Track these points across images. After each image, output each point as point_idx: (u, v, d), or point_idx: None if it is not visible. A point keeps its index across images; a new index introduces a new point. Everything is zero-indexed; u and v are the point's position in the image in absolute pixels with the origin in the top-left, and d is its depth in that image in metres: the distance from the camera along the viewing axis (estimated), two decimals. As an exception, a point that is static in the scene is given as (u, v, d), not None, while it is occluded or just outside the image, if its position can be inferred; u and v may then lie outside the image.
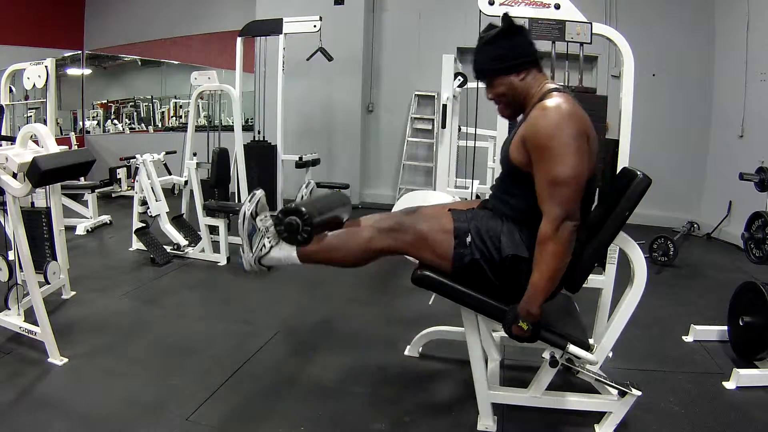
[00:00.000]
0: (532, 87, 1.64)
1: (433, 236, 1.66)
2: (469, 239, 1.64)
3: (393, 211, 2.16)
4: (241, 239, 1.80)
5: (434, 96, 6.20)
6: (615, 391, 1.81)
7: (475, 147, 3.09)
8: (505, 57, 1.62)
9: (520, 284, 1.57)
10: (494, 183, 1.81)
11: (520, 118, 1.71)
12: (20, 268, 2.33)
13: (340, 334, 2.74)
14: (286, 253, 1.76)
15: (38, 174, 2.02)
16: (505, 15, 1.63)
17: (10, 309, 2.40)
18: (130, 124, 8.05)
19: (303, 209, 1.66)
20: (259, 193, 1.82)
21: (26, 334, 2.33)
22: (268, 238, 1.77)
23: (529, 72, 1.64)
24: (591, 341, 1.91)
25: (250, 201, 1.80)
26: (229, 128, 5.25)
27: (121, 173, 6.25)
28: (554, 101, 1.52)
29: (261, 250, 1.77)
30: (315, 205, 1.74)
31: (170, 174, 5.11)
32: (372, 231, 1.70)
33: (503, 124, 2.37)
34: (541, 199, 1.52)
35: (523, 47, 1.64)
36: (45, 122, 3.68)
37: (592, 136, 1.56)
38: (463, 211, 1.73)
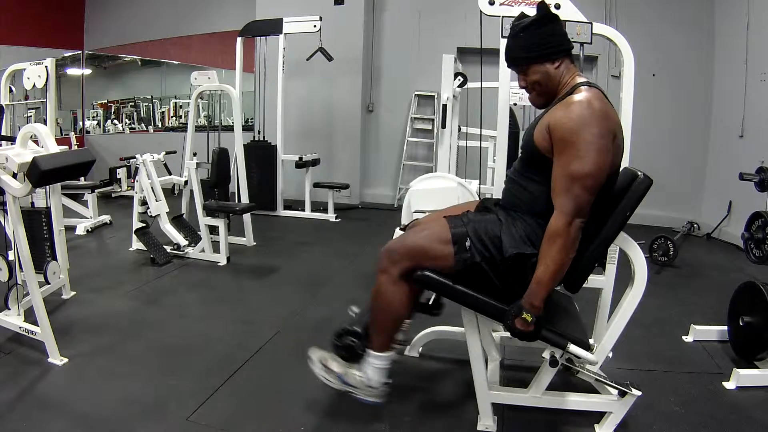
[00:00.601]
0: (564, 76, 1.64)
1: (431, 246, 1.68)
2: (468, 243, 1.64)
3: (401, 215, 2.19)
4: (346, 391, 1.83)
5: (434, 96, 6.21)
6: (615, 391, 1.81)
7: (480, 147, 3.08)
8: (541, 44, 1.61)
9: (524, 280, 1.58)
10: (511, 169, 1.79)
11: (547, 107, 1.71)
12: (20, 268, 2.33)
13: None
14: (372, 360, 1.78)
15: (38, 174, 2.01)
16: (542, 2, 1.64)
17: (10, 309, 2.40)
18: (130, 124, 8.05)
19: (343, 328, 1.83)
20: (313, 355, 1.88)
21: (26, 334, 2.33)
22: (354, 371, 1.80)
23: (563, 61, 1.64)
24: (591, 341, 1.91)
25: (313, 363, 1.86)
26: (229, 128, 5.25)
27: (121, 173, 6.26)
28: (585, 96, 1.52)
29: (361, 380, 1.79)
30: (350, 322, 1.88)
31: (170, 174, 5.11)
32: (380, 277, 1.73)
33: (503, 124, 2.37)
34: (555, 192, 1.52)
35: (558, 35, 1.64)
36: (45, 122, 3.68)
37: (619, 135, 1.56)
38: (458, 216, 1.74)
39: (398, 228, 2.28)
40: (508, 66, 1.73)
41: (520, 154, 1.75)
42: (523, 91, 1.76)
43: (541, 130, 1.58)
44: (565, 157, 1.50)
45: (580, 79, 1.62)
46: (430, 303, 2.03)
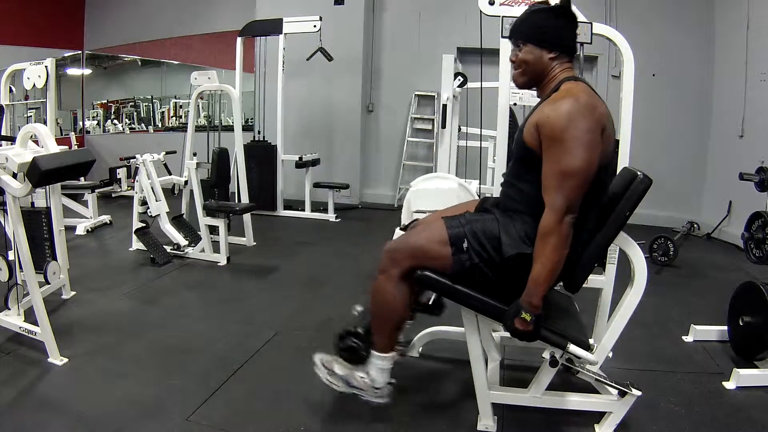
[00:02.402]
0: (555, 70, 1.64)
1: (429, 246, 1.68)
2: (465, 244, 1.64)
3: (402, 215, 2.23)
4: (352, 393, 1.85)
5: (434, 96, 6.21)
6: (615, 391, 1.81)
7: (480, 147, 3.09)
8: (547, 30, 1.62)
9: (524, 280, 1.58)
10: (506, 171, 1.80)
11: (536, 103, 1.72)
12: (20, 268, 2.33)
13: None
14: (376, 362, 1.80)
15: (38, 174, 2.01)
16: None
17: (10, 309, 2.40)
18: (130, 124, 8.05)
19: (345, 330, 1.84)
20: (317, 359, 1.89)
21: (26, 334, 2.33)
22: (358, 374, 1.81)
23: (560, 57, 1.64)
24: (591, 341, 1.91)
25: (318, 367, 1.88)
26: (229, 128, 5.25)
27: (121, 173, 6.25)
28: (571, 91, 1.52)
29: (366, 382, 1.80)
30: (357, 320, 1.90)
31: (170, 174, 5.11)
32: (381, 278, 1.75)
33: (503, 124, 2.37)
34: (546, 189, 1.52)
35: (567, 31, 1.65)
36: (45, 122, 3.68)
37: (608, 129, 1.56)
38: (456, 217, 1.74)
39: (398, 228, 2.28)
40: (509, 36, 1.73)
41: (513, 155, 1.75)
42: (519, 89, 1.77)
43: (530, 128, 1.58)
44: (554, 153, 1.50)
45: (567, 74, 1.63)
46: (431, 303, 2.03)
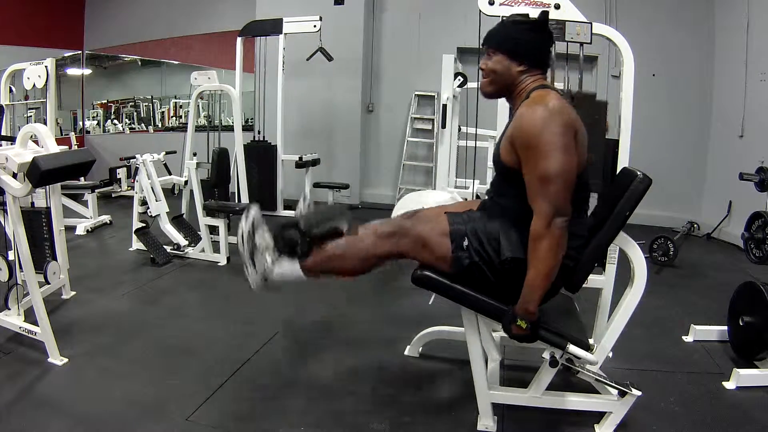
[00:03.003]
0: (524, 83, 1.65)
1: (432, 239, 1.67)
2: (466, 242, 1.64)
3: (392, 215, 2.18)
4: (243, 259, 1.75)
5: (434, 96, 6.20)
6: (615, 391, 1.81)
7: (476, 147, 3.09)
8: (519, 43, 1.63)
9: (520, 284, 1.57)
10: (489, 188, 1.82)
11: (509, 117, 1.72)
12: (20, 268, 2.33)
13: (340, 334, 2.74)
14: (289, 268, 1.74)
15: (38, 174, 2.02)
16: (545, 13, 1.65)
17: (10, 309, 2.40)
18: (130, 124, 8.05)
19: (300, 222, 1.70)
20: (254, 210, 1.77)
21: (26, 334, 2.33)
22: (269, 254, 1.73)
23: (530, 70, 1.64)
24: (591, 341, 1.91)
25: (246, 219, 1.74)
26: (229, 128, 5.25)
27: (121, 173, 6.25)
28: (540, 98, 1.53)
29: (264, 268, 1.73)
30: (312, 217, 1.75)
31: (170, 174, 5.11)
32: (372, 238, 1.70)
33: (503, 124, 2.37)
34: (531, 197, 1.53)
35: (540, 47, 1.65)
36: (45, 122, 3.68)
37: (580, 131, 1.56)
38: (460, 214, 1.74)
39: (398, 204, 2.24)
40: (482, 44, 1.72)
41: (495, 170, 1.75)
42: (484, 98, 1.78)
43: (505, 144, 1.59)
44: (532, 161, 1.50)
45: (538, 83, 1.63)
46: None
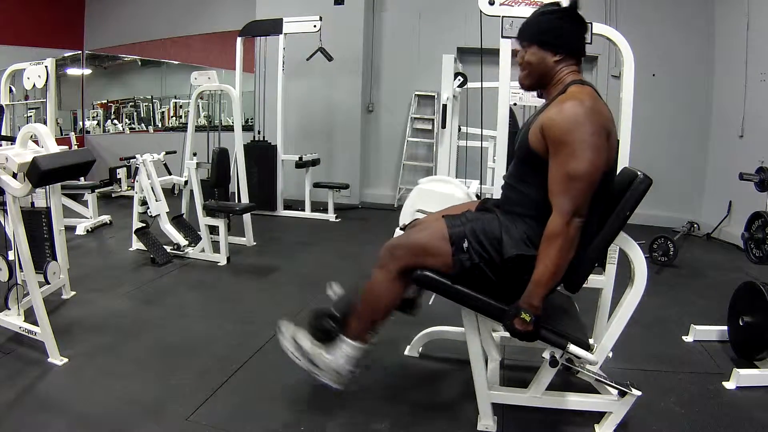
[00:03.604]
0: (561, 74, 1.64)
1: (431, 243, 1.68)
2: (465, 244, 1.64)
3: (405, 208, 2.33)
4: (309, 371, 1.84)
5: (434, 96, 6.21)
6: (615, 391, 1.81)
7: (481, 146, 3.09)
8: (554, 33, 1.62)
9: (524, 281, 1.57)
10: (508, 171, 1.80)
11: (542, 104, 1.72)
12: (20, 268, 2.33)
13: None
14: (345, 347, 1.79)
15: (38, 174, 2.01)
16: (575, 1, 1.64)
17: (10, 309, 2.40)
18: (130, 124, 8.05)
19: (322, 309, 1.84)
20: (284, 326, 1.89)
21: (26, 334, 2.32)
22: (323, 351, 1.81)
23: (566, 60, 1.64)
24: (591, 341, 1.91)
25: (283, 338, 1.87)
26: (229, 128, 5.26)
27: (121, 173, 6.26)
28: (576, 95, 1.52)
29: (328, 364, 1.80)
30: (332, 301, 1.89)
31: (170, 174, 5.11)
32: (378, 271, 1.75)
33: (503, 124, 2.37)
34: (552, 192, 1.52)
35: (573, 34, 1.65)
36: (45, 122, 3.68)
37: (612, 133, 1.56)
38: (457, 216, 1.74)
39: (398, 228, 2.27)
40: (516, 36, 1.74)
41: (515, 156, 1.74)
42: (523, 91, 1.77)
43: (535, 131, 1.58)
44: (561, 157, 1.50)
45: (574, 77, 1.62)
46: (406, 301, 1.98)
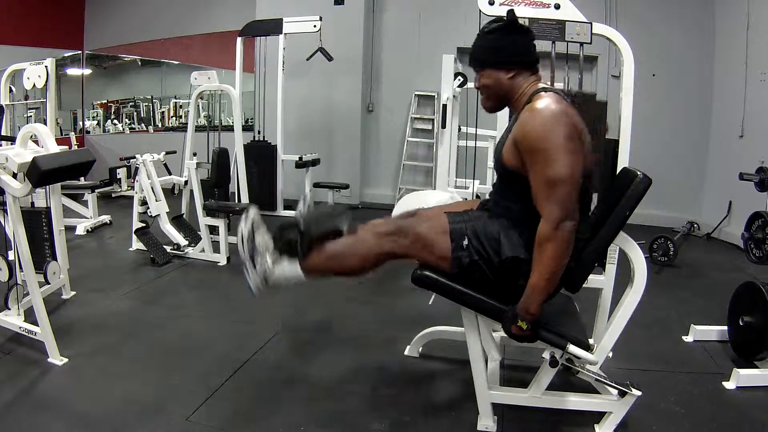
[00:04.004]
0: (521, 87, 1.63)
1: (432, 237, 1.67)
2: (465, 242, 1.64)
3: (392, 215, 2.18)
4: (243, 260, 1.74)
5: (434, 96, 6.20)
6: (615, 391, 1.81)
7: (476, 147, 3.09)
8: (498, 51, 1.62)
9: (520, 285, 1.57)
10: (492, 190, 1.81)
11: (511, 120, 1.71)
12: (20, 268, 2.33)
13: (340, 334, 2.74)
14: (290, 269, 1.74)
15: (38, 174, 2.01)
16: (511, 11, 1.62)
17: (10, 309, 2.40)
18: (130, 124, 8.05)
19: (300, 222, 1.70)
20: (252, 211, 1.77)
21: (26, 334, 2.32)
22: (269, 255, 1.73)
23: (521, 73, 1.63)
24: (591, 341, 1.91)
25: (245, 221, 1.75)
26: (229, 128, 5.25)
27: (121, 173, 6.25)
28: (543, 102, 1.52)
29: (265, 269, 1.72)
30: (312, 217, 1.75)
31: (170, 174, 5.11)
32: (372, 237, 1.70)
33: (503, 124, 2.37)
34: (538, 201, 1.52)
35: (520, 47, 1.63)
36: (45, 122, 3.68)
37: (584, 134, 1.56)
38: (460, 213, 1.74)
39: (399, 202, 2.23)
40: (469, 64, 1.73)
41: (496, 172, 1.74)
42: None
43: (508, 147, 1.58)
44: (539, 165, 1.49)
45: (539, 86, 1.62)
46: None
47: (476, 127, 2.95)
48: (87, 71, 8.02)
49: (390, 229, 1.70)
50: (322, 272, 1.76)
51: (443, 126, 3.95)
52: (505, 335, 1.65)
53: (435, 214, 1.80)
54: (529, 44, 1.65)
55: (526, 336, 1.58)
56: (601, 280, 2.25)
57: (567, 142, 1.47)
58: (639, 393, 1.78)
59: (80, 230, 4.54)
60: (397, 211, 2.50)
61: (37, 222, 2.86)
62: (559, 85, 2.37)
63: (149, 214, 3.93)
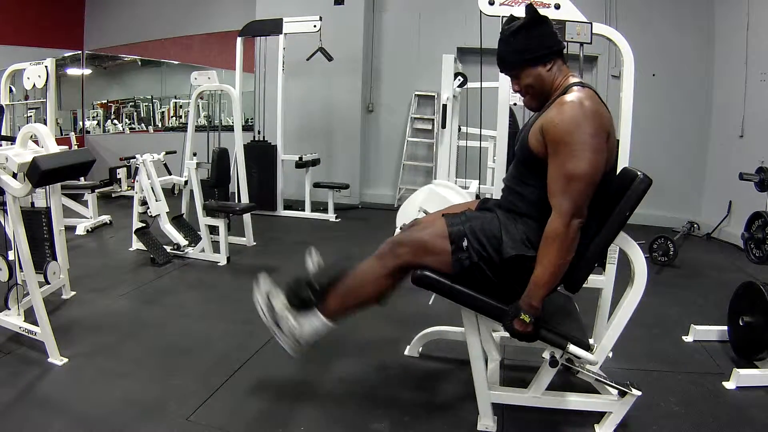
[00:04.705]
0: (557, 78, 1.64)
1: (431, 243, 1.68)
2: (465, 243, 1.64)
3: (402, 208, 2.24)
4: (269, 328, 1.81)
5: (434, 96, 6.21)
6: (615, 391, 1.81)
7: (480, 147, 3.09)
8: (532, 48, 1.61)
9: (523, 281, 1.57)
10: (507, 175, 1.80)
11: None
12: (20, 268, 2.32)
13: (340, 334, 2.72)
14: (316, 322, 1.77)
15: (38, 174, 2.01)
16: (530, 5, 1.63)
17: (10, 309, 2.40)
18: (130, 124, 8.05)
19: (306, 276, 1.79)
20: (262, 280, 1.85)
21: (26, 334, 2.32)
22: (290, 314, 1.78)
23: (555, 62, 1.64)
24: (591, 341, 1.91)
25: (258, 291, 1.83)
26: (229, 128, 5.25)
27: (121, 173, 6.25)
28: (576, 96, 1.52)
29: (293, 331, 1.77)
30: (319, 267, 1.85)
31: (170, 174, 5.11)
32: (375, 261, 1.74)
33: (503, 124, 2.37)
34: (552, 193, 1.52)
35: (549, 37, 1.64)
36: (45, 122, 3.68)
37: (611, 134, 1.56)
38: (457, 215, 1.74)
39: (398, 228, 2.27)
40: (501, 71, 1.74)
41: (515, 158, 1.74)
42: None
43: (535, 132, 1.58)
44: (560, 157, 1.50)
45: (573, 80, 1.62)
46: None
47: (480, 128, 2.96)
48: (87, 71, 8.02)
49: (387, 247, 1.73)
50: (343, 312, 1.79)
51: (443, 126, 3.96)
52: (506, 335, 1.66)
53: (433, 219, 1.82)
54: (554, 32, 1.66)
55: (528, 333, 1.58)
56: (601, 280, 2.25)
57: (593, 139, 1.47)
58: (639, 393, 1.78)
59: (80, 230, 4.54)
60: (408, 207, 2.49)
61: (37, 222, 2.86)
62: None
63: (149, 214, 3.93)
